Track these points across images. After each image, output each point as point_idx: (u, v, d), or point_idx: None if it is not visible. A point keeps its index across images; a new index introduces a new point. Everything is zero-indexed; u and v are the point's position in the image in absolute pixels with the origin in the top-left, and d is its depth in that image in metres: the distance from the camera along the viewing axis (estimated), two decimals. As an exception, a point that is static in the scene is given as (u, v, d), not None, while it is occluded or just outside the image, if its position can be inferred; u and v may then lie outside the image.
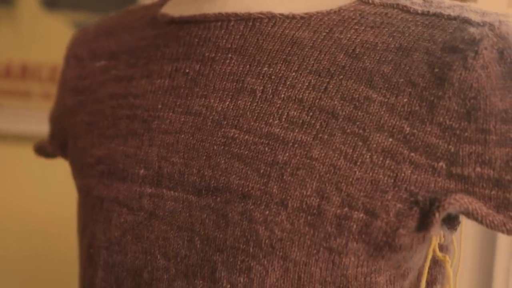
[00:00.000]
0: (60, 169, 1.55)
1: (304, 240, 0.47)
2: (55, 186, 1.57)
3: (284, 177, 0.47)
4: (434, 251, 0.49)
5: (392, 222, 0.46)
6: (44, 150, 0.67)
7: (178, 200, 0.50)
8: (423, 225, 0.46)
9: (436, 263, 0.54)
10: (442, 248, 0.52)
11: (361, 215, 0.46)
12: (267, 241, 0.47)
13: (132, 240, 0.52)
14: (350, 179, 0.46)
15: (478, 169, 0.46)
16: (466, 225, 0.84)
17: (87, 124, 0.59)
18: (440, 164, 0.46)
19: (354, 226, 0.46)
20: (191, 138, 0.51)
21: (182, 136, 0.51)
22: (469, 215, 0.46)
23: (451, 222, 0.51)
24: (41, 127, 1.65)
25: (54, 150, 0.66)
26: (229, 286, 0.48)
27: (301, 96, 0.49)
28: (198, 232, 0.49)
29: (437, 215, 0.45)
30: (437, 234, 0.48)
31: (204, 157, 0.50)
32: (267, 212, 0.47)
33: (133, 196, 0.53)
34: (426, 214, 0.46)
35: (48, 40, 1.58)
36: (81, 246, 0.59)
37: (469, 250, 0.87)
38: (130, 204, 0.53)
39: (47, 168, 1.58)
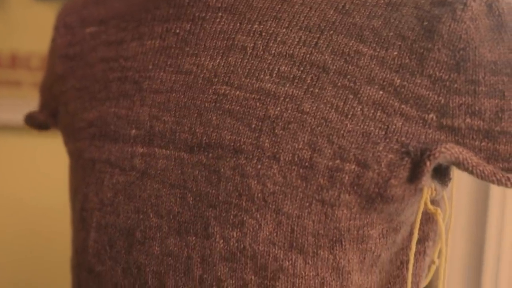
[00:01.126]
0: (50, 158, 1.55)
1: (296, 193, 0.47)
2: (46, 176, 1.57)
3: (276, 131, 0.47)
4: (425, 204, 0.49)
5: (384, 172, 0.46)
6: (34, 119, 0.67)
7: (170, 158, 0.51)
8: (415, 175, 0.47)
9: (428, 220, 0.55)
10: (433, 203, 0.52)
11: (353, 166, 0.46)
12: (259, 195, 0.47)
13: (124, 200, 0.52)
14: (342, 132, 0.47)
15: (468, 120, 0.47)
16: (458, 184, 0.85)
17: (78, 89, 0.59)
18: (431, 116, 0.47)
19: (346, 178, 0.47)
20: (182, 96, 0.51)
21: (173, 94, 0.51)
22: (460, 165, 0.47)
23: (442, 178, 0.52)
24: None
25: (45, 119, 0.65)
26: (222, 241, 0.48)
27: (291, 51, 0.49)
28: (190, 188, 0.49)
29: (428, 163, 0.46)
30: (428, 186, 0.48)
31: (196, 115, 0.50)
32: (259, 166, 0.47)
33: (125, 156, 0.53)
34: (417, 164, 0.46)
35: (38, 29, 1.57)
36: (73, 210, 0.59)
37: (461, 208, 0.87)
38: (122, 165, 0.53)
39: (37, 157, 1.58)
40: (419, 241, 0.54)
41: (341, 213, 0.47)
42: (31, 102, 1.68)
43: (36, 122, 0.68)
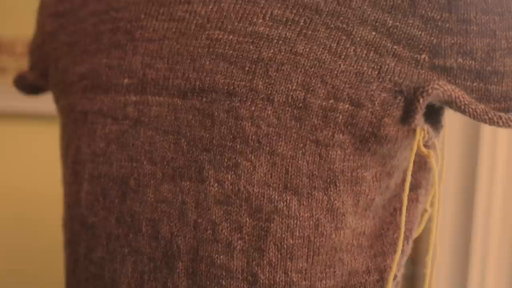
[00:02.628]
0: (37, 146, 1.54)
1: (290, 134, 0.47)
2: (34, 163, 1.56)
3: (269, 73, 0.47)
4: (418, 146, 0.49)
5: (377, 111, 0.47)
6: (24, 80, 0.67)
7: (163, 104, 0.50)
8: (408, 113, 0.47)
9: (421, 168, 0.55)
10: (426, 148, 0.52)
11: (347, 106, 0.47)
12: (253, 136, 0.47)
13: (117, 150, 0.52)
14: (335, 72, 0.47)
15: (460, 60, 0.47)
16: (449, 137, 0.86)
17: (69, 45, 0.59)
18: (423, 56, 0.47)
19: (340, 117, 0.47)
20: (175, 43, 0.51)
21: (166, 42, 0.51)
22: (452, 103, 0.47)
23: (434, 123, 0.52)
24: (16, 103, 1.64)
25: (35, 79, 0.65)
26: (216, 184, 0.48)
27: None
28: (184, 134, 0.49)
29: (421, 100, 0.46)
30: (421, 128, 0.48)
31: (189, 61, 0.50)
32: (253, 108, 0.47)
33: (118, 106, 0.53)
34: (411, 102, 0.47)
35: (22, 15, 1.56)
36: (65, 166, 0.59)
37: (452, 159, 0.88)
38: (114, 114, 0.53)
39: (23, 144, 1.57)
40: (412, 189, 0.54)
41: (335, 154, 0.48)
42: (16, 88, 1.66)
43: (25, 84, 0.67)
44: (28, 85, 0.67)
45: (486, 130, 0.84)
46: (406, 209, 0.53)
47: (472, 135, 0.86)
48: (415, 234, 0.56)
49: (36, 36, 0.65)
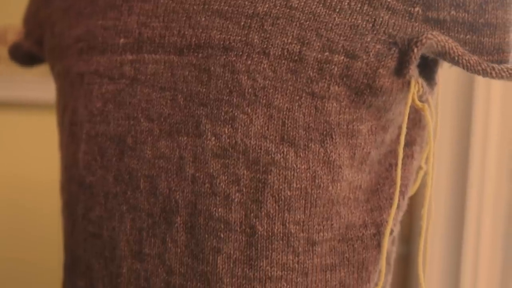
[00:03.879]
0: (28, 134, 1.54)
1: (286, 87, 0.48)
2: (33, 152, 1.56)
3: (265, 27, 0.48)
4: (413, 99, 0.50)
5: (372, 62, 0.47)
6: (19, 49, 0.67)
7: (159, 62, 0.51)
8: (403, 64, 0.47)
9: (415, 126, 0.56)
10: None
11: (342, 57, 0.47)
12: (250, 89, 0.48)
13: (114, 109, 0.52)
14: (330, 25, 0.47)
15: (453, 12, 0.48)
16: (443, 93, 0.86)
17: (63, 9, 0.59)
18: (416, 9, 0.48)
19: (335, 69, 0.47)
20: (170, 2, 0.51)
21: (161, 1, 0.52)
22: (446, 54, 0.48)
23: (428, 80, 0.52)
24: (9, 92, 1.63)
25: (30, 46, 0.65)
26: (213, 138, 0.48)
27: None
28: (181, 90, 0.50)
29: (415, 50, 0.47)
30: (415, 80, 0.49)
31: (184, 18, 0.50)
32: (249, 62, 0.48)
33: (114, 66, 0.53)
34: (405, 53, 0.47)
35: (13, 3, 1.56)
36: (62, 130, 0.59)
37: (446, 117, 0.89)
38: (111, 74, 0.53)
39: (19, 133, 1.57)
40: (407, 145, 0.55)
41: (331, 106, 0.48)
42: (8, 77, 1.67)
43: (21, 53, 0.67)
44: (23, 54, 0.67)
45: (480, 87, 0.84)
46: (402, 165, 0.53)
47: (465, 93, 0.87)
48: (410, 191, 0.56)
49: (30, 4, 0.66)
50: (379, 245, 0.52)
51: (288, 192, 0.48)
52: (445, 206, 0.96)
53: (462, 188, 0.91)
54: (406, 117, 0.50)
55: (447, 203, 0.95)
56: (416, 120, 0.56)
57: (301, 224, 0.49)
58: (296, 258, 0.49)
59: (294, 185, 0.48)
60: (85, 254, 0.55)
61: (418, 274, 0.54)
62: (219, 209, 0.49)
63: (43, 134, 1.54)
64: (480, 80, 0.84)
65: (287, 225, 0.49)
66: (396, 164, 0.53)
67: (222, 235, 0.49)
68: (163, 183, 0.50)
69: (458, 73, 0.88)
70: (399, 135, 0.53)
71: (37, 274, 1.55)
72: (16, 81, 1.60)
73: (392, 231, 0.54)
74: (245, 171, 0.48)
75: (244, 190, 0.48)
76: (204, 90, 0.49)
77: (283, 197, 0.48)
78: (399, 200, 0.54)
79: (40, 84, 1.60)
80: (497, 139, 0.85)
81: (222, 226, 0.49)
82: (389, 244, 0.57)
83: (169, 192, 0.50)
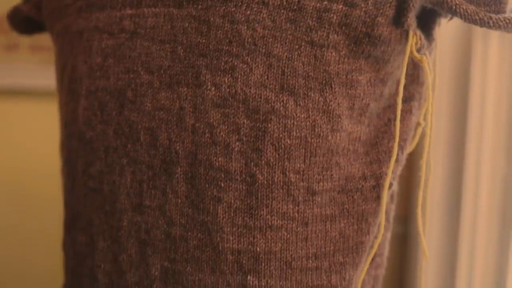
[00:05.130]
0: (28, 123, 1.53)
1: (286, 36, 0.48)
2: (26, 139, 1.56)
3: None
4: (411, 51, 0.50)
5: (371, 10, 0.47)
6: (18, 12, 0.67)
7: (159, 15, 0.51)
8: (401, 13, 0.48)
9: (413, 82, 0.56)
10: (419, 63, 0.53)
11: (340, 6, 0.47)
12: (249, 39, 0.48)
13: (114, 63, 0.53)
14: None
15: None
16: (441, 51, 0.87)
17: None
18: None
19: (334, 18, 0.48)
20: None
21: None
22: (443, 3, 0.48)
23: (426, 36, 0.53)
24: (7, 80, 1.63)
25: (29, 10, 0.65)
26: (213, 88, 0.49)
27: None
28: (180, 41, 0.50)
29: None
30: (413, 30, 0.49)
31: None
32: (248, 12, 0.48)
33: (113, 21, 0.53)
34: (403, 1, 0.48)
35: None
36: (61, 89, 0.59)
37: (444, 75, 0.89)
38: (110, 29, 0.53)
39: (18, 120, 1.57)
40: (405, 100, 0.55)
41: (330, 55, 0.48)
42: (6, 65, 1.67)
43: (19, 18, 0.67)
44: (22, 20, 0.67)
45: (478, 45, 0.85)
46: (400, 119, 0.54)
47: (463, 52, 0.88)
48: (409, 146, 0.56)
49: (29, -30, 0.66)
50: (378, 198, 0.53)
51: (288, 140, 0.48)
52: (444, 162, 0.96)
53: (461, 144, 0.91)
54: (405, 68, 0.50)
55: (446, 159, 0.95)
56: (415, 76, 0.56)
57: (301, 173, 0.49)
58: (296, 207, 0.50)
59: (294, 133, 0.48)
60: (85, 210, 0.55)
61: (418, 231, 0.54)
62: (219, 159, 0.49)
63: (42, 122, 1.54)
64: (478, 39, 0.84)
65: (287, 173, 0.49)
66: (395, 119, 0.53)
67: (222, 185, 0.49)
68: (163, 135, 0.50)
69: (456, 31, 0.89)
70: (397, 89, 0.53)
71: (37, 258, 1.55)
72: (15, 69, 1.60)
73: (391, 184, 0.54)
74: (245, 120, 0.48)
75: (244, 139, 0.49)
76: (204, 41, 0.49)
77: (283, 146, 0.48)
78: (398, 154, 0.54)
79: (39, 72, 1.60)
80: (495, 94, 0.85)
81: (222, 176, 0.49)
82: (388, 201, 0.57)
83: (169, 143, 0.50)
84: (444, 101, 0.92)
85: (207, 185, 0.49)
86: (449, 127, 0.92)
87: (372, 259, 0.57)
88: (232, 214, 0.49)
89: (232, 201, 0.49)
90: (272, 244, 0.50)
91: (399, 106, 0.51)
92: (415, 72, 0.56)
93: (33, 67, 1.59)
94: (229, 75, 0.48)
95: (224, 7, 0.48)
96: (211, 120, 0.49)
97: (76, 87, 0.56)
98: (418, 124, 0.57)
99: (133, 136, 0.51)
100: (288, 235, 0.50)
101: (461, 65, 0.89)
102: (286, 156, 0.49)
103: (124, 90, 0.52)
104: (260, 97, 0.48)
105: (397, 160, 0.54)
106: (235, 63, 0.48)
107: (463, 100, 0.89)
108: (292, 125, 0.48)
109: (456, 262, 1.10)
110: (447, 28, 0.88)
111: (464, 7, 0.48)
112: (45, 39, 1.60)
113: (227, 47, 0.48)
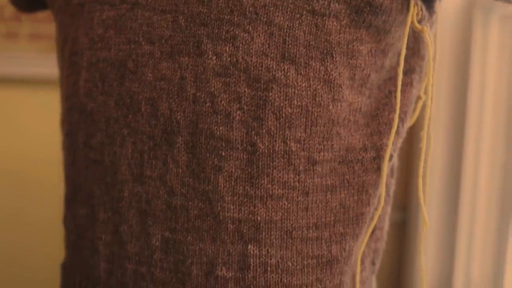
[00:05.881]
0: (32, 111, 1.53)
1: (287, 4, 0.48)
2: (27, 127, 1.56)
3: None
4: (412, 21, 0.50)
5: None
6: None
7: None
8: None
9: (414, 55, 0.56)
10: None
11: None
12: (251, 8, 0.48)
13: (115, 34, 0.53)
14: None
15: None
16: (441, 26, 0.87)
17: None
18: None
19: None
20: None
21: None
22: None
23: (428, 7, 0.53)
24: (6, 69, 1.63)
25: None
26: (214, 57, 0.49)
27: None
28: (182, 11, 0.50)
29: None
30: (414, 2, 0.49)
31: None
32: None
33: None
34: None
35: (10, -22, 1.56)
36: (62, 62, 0.59)
37: (445, 49, 0.89)
38: (111, 0, 0.53)
39: (18, 109, 1.57)
40: (406, 73, 0.55)
41: (331, 25, 0.48)
42: (5, 53, 1.66)
43: None
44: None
45: (478, 22, 0.85)
46: (401, 92, 0.54)
47: (464, 29, 0.88)
48: (409, 119, 0.57)
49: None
50: (379, 169, 0.53)
51: (289, 109, 0.48)
52: (444, 135, 0.96)
53: (461, 118, 0.92)
54: (406, 39, 0.51)
55: (446, 131, 0.96)
56: (415, 49, 0.56)
57: (302, 142, 0.49)
58: (297, 176, 0.50)
59: (295, 102, 0.48)
60: (86, 182, 0.55)
61: (419, 201, 0.54)
62: (220, 128, 0.49)
63: (41, 110, 1.54)
64: (478, 16, 0.84)
65: (288, 142, 0.49)
66: (396, 92, 0.53)
67: (223, 154, 0.49)
68: (164, 105, 0.50)
69: (456, 7, 0.89)
70: (398, 61, 0.54)
71: (37, 243, 1.55)
72: (14, 57, 1.60)
73: (391, 156, 0.55)
74: (246, 89, 0.48)
75: (245, 108, 0.49)
76: (205, 10, 0.49)
77: (284, 115, 0.48)
78: (398, 126, 0.54)
79: (38, 60, 1.60)
80: (495, 68, 0.85)
81: (223, 145, 0.49)
82: (388, 173, 0.57)
83: (170, 113, 0.50)
84: (444, 81, 0.92)
85: (208, 154, 0.49)
86: (449, 108, 0.92)
87: (372, 232, 0.57)
88: (233, 183, 0.49)
89: (233, 170, 0.49)
90: (273, 213, 0.50)
91: (400, 76, 0.51)
92: (415, 46, 0.56)
93: (32, 56, 1.59)
94: (230, 44, 0.48)
95: None
96: (212, 89, 0.49)
97: (77, 59, 0.55)
98: (419, 97, 0.58)
99: (134, 107, 0.51)
100: (289, 205, 0.50)
101: (461, 43, 0.89)
102: (287, 125, 0.49)
103: (125, 61, 0.52)
104: (261, 66, 0.48)
105: (397, 132, 0.54)
106: (236, 32, 0.48)
107: (463, 82, 0.89)
108: (293, 94, 0.48)
109: (454, 247, 1.10)
110: (448, 4, 0.88)
111: None
112: (44, 27, 1.60)
113: (228, 16, 0.48)
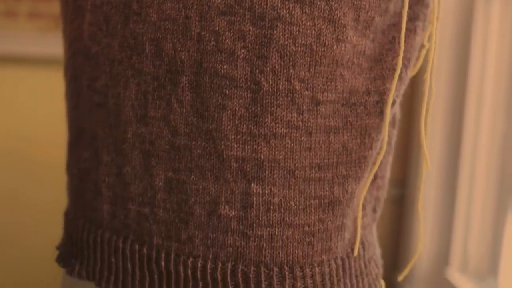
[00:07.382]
0: (32, 91, 1.54)
1: None
2: (27, 106, 1.56)
3: None
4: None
5: None
6: None
7: None
8: None
9: (418, 3, 0.56)
10: None
11: None
12: None
13: None
14: None
15: None
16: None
17: None
18: None
19: None
20: None
21: None
22: None
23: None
24: (5, 47, 1.63)
25: None
26: None
27: None
28: None
29: None
30: None
31: None
32: None
33: None
34: None
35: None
36: (66, 8, 0.59)
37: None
38: None
39: (18, 88, 1.57)
40: (410, 20, 0.55)
41: None
42: (5, 31, 1.66)
43: None
44: None
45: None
46: (404, 38, 0.54)
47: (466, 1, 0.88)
48: (412, 67, 0.57)
49: None
50: (381, 113, 0.53)
51: (293, 47, 0.49)
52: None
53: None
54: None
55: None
56: (419, -3, 0.56)
57: (306, 81, 0.49)
58: (301, 116, 0.50)
59: (299, 41, 0.49)
60: (89, 125, 0.55)
61: (421, 143, 0.54)
62: (225, 66, 0.49)
63: (40, 89, 1.54)
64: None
65: (292, 81, 0.49)
66: (399, 38, 0.53)
67: (227, 92, 0.49)
68: (169, 45, 0.50)
69: None
70: (403, 6, 0.54)
71: (37, 223, 1.55)
72: (13, 36, 1.60)
73: (394, 102, 0.55)
74: (250, 27, 0.49)
75: (249, 46, 0.49)
76: None
77: (288, 53, 0.49)
78: (401, 72, 0.54)
79: (37, 39, 1.60)
80: (498, 23, 0.85)
81: (228, 83, 0.49)
82: (390, 123, 0.57)
83: (175, 53, 0.50)
84: (445, 49, 0.92)
85: (212, 93, 0.50)
86: (449, 81, 0.92)
87: (374, 180, 0.57)
88: (236, 122, 0.49)
89: (237, 109, 0.49)
90: (276, 152, 0.50)
91: (404, 19, 0.51)
92: (419, -6, 0.56)
93: (31, 35, 1.59)
94: None
95: None
96: (217, 28, 0.49)
97: (82, 3, 0.56)
98: (422, 46, 0.58)
99: (138, 48, 0.51)
100: (292, 144, 0.50)
101: (462, 22, 0.89)
102: (291, 63, 0.49)
103: (129, 2, 0.52)
104: (266, 4, 0.48)
105: (400, 78, 0.55)
106: None
107: (465, 52, 0.89)
108: (297, 32, 0.49)
109: (452, 220, 1.11)
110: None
111: None
112: (43, 6, 1.60)
113: None
